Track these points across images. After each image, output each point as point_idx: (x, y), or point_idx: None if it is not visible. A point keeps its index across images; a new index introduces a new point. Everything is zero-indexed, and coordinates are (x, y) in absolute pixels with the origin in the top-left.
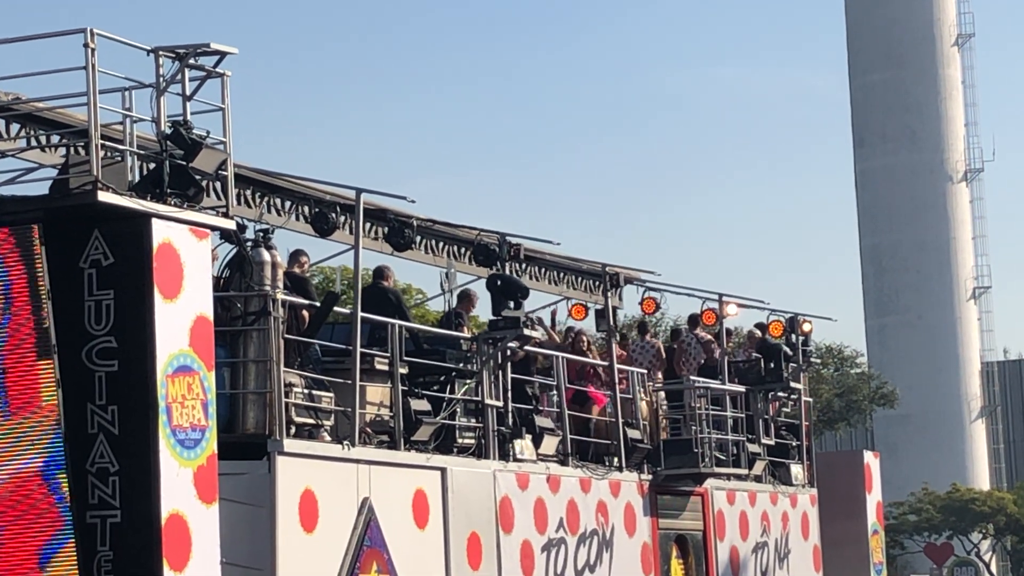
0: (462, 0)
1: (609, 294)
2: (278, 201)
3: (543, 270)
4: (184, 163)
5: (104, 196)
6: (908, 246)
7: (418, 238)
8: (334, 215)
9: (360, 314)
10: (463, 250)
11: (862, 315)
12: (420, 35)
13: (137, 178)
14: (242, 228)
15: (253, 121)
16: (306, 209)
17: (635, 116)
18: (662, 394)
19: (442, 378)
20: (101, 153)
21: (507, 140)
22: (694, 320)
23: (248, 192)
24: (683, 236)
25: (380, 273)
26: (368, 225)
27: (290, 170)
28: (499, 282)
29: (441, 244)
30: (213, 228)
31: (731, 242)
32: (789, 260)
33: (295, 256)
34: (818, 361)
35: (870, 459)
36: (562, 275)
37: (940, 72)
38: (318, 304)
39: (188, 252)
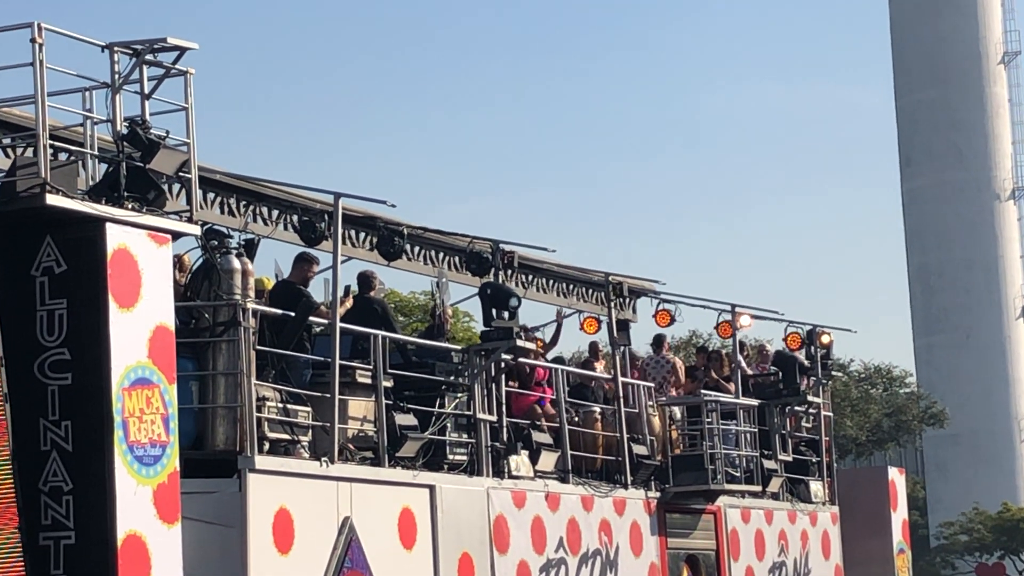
0: (498, 18)
1: (613, 304)
2: (264, 210)
3: (550, 282)
4: (142, 164)
5: (53, 199)
6: (956, 265)
7: (410, 246)
8: (322, 224)
9: (339, 324)
10: (460, 259)
11: (911, 334)
12: (449, 54)
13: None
14: (223, 235)
15: (282, 138)
16: (294, 218)
17: (679, 134)
18: (677, 411)
19: (431, 392)
20: (51, 154)
21: (551, 159)
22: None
23: (232, 200)
24: (728, 254)
25: (366, 283)
26: (363, 235)
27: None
28: (491, 291)
29: (441, 254)
30: (174, 233)
31: (777, 261)
32: (837, 280)
33: (301, 261)
34: (839, 374)
35: (895, 475)
36: (571, 287)
37: (987, 90)
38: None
39: (147, 258)
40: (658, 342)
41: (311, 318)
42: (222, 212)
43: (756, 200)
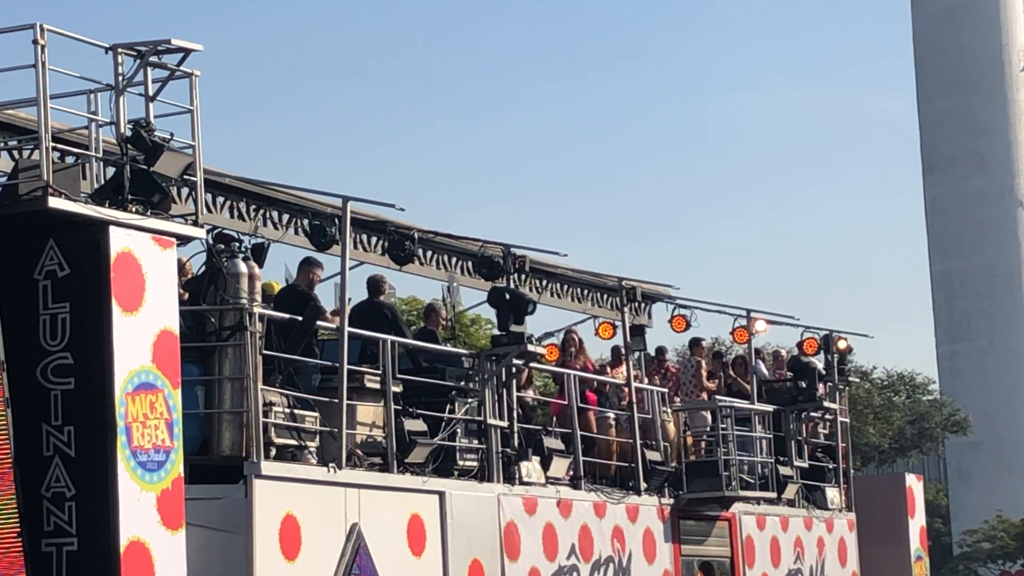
0: (514, 22)
1: (628, 309)
2: (274, 214)
3: (564, 287)
4: (146, 167)
5: (55, 202)
6: (979, 272)
7: (421, 251)
8: (332, 228)
9: (347, 328)
10: (471, 263)
11: (933, 341)
12: (463, 58)
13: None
14: (232, 239)
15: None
16: (304, 222)
17: (698, 138)
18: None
19: (441, 397)
20: (54, 157)
21: (567, 164)
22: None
23: (241, 204)
24: (748, 260)
25: (375, 287)
26: (374, 239)
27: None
28: (503, 296)
29: (453, 259)
30: (179, 236)
31: (800, 267)
32: (859, 286)
33: (306, 265)
34: (857, 380)
35: (912, 482)
36: (586, 292)
37: (1009, 97)
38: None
39: (151, 262)
40: (692, 344)
41: (319, 323)
42: (232, 216)
43: (776, 206)
